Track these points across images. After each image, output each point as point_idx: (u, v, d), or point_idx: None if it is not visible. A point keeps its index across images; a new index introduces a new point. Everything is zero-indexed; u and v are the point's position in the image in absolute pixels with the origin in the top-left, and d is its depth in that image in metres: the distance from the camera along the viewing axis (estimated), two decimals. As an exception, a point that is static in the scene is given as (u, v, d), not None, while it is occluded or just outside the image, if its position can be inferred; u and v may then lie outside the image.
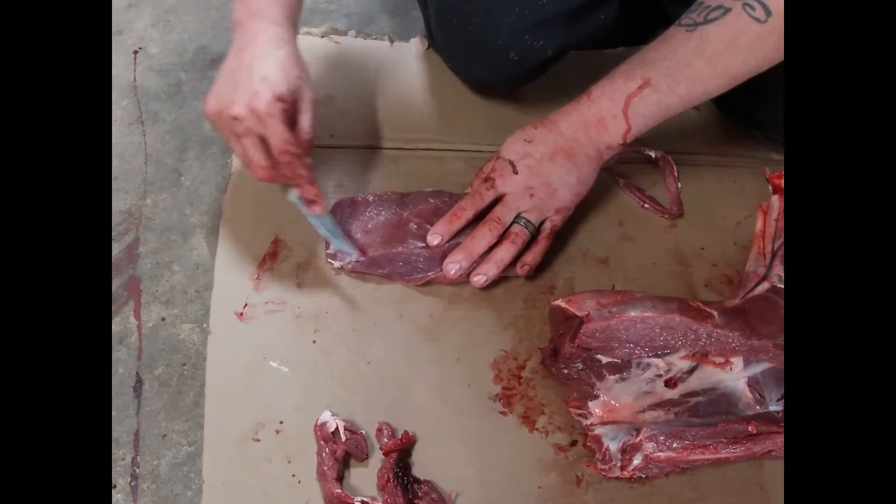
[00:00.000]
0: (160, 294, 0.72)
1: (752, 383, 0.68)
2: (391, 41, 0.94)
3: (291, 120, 0.64)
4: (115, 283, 0.71)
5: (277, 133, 0.62)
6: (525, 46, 0.77)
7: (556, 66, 0.84)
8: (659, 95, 0.69)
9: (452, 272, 0.71)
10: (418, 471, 0.64)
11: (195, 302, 0.71)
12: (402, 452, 0.63)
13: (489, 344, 0.72)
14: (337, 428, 0.63)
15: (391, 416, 0.66)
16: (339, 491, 0.60)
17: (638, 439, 0.64)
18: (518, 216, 0.73)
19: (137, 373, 0.67)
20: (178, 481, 0.63)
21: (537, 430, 0.68)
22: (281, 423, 0.65)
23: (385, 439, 0.64)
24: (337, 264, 0.72)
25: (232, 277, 0.72)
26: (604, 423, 0.66)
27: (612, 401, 0.67)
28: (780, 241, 0.75)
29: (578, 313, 0.66)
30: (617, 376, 0.67)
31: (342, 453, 0.62)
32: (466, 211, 0.72)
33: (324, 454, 0.62)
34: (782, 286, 0.72)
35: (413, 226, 0.73)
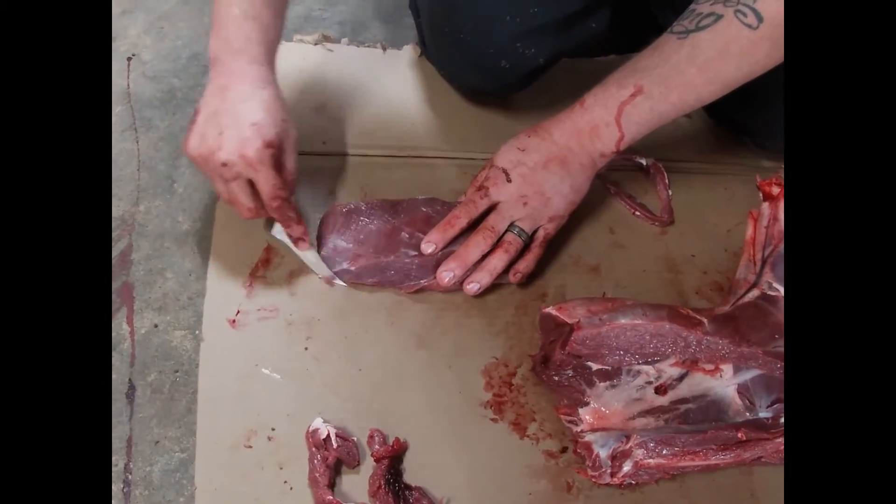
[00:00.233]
0: (153, 301, 0.72)
1: (742, 390, 0.68)
2: (384, 49, 0.94)
3: (278, 163, 0.65)
4: (108, 290, 0.72)
5: (268, 180, 0.63)
6: (517, 54, 0.78)
7: (548, 73, 0.85)
8: (652, 103, 0.69)
9: (446, 280, 0.71)
10: (409, 477, 0.64)
11: (188, 309, 0.71)
12: (393, 459, 0.64)
13: (480, 351, 0.72)
14: (328, 435, 0.63)
15: (382, 422, 0.66)
16: (331, 497, 0.60)
17: (628, 446, 0.64)
18: (511, 224, 0.73)
19: (130, 379, 0.67)
20: (171, 488, 0.63)
21: (528, 436, 0.68)
22: (273, 429, 0.65)
23: (376, 446, 0.64)
24: (331, 281, 0.73)
25: (224, 284, 0.72)
26: (594, 430, 0.66)
27: (603, 408, 0.67)
28: (771, 248, 0.75)
29: (569, 321, 0.66)
30: (607, 383, 0.67)
31: (334, 460, 0.63)
32: (460, 220, 0.73)
33: (315, 461, 0.62)
34: (772, 293, 0.72)
35: (405, 234, 0.74)
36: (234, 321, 0.70)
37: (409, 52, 0.94)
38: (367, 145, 0.85)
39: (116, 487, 0.62)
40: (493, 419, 0.69)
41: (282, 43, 0.70)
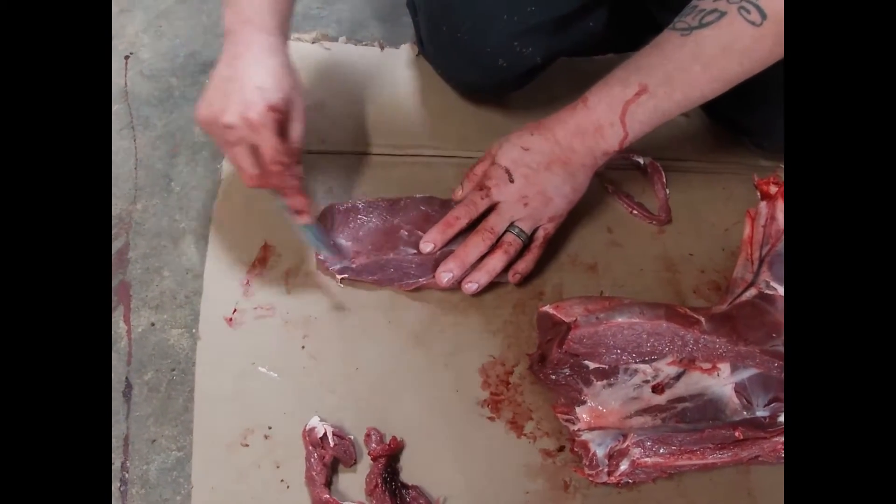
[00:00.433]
0: (150, 299, 0.72)
1: (739, 389, 0.68)
2: (381, 47, 0.94)
3: (283, 129, 0.64)
4: (105, 289, 0.72)
5: (269, 143, 0.62)
6: (514, 53, 0.78)
7: (545, 72, 0.84)
8: (656, 101, 0.68)
9: (445, 281, 0.71)
10: (406, 476, 0.64)
11: (185, 307, 0.71)
12: (390, 458, 0.64)
13: (477, 350, 0.72)
14: (325, 433, 0.63)
15: (379, 421, 0.66)
16: (328, 496, 0.60)
17: (625, 445, 0.64)
18: (511, 225, 0.73)
19: (127, 377, 0.67)
20: (167, 486, 0.63)
21: (525, 435, 0.68)
22: (270, 428, 0.65)
23: (373, 445, 0.64)
24: (330, 269, 0.72)
25: (221, 283, 0.72)
26: (591, 429, 0.66)
27: (600, 406, 0.67)
28: (768, 247, 0.75)
29: (566, 319, 0.66)
30: (604, 382, 0.67)
31: (330, 459, 0.63)
32: (461, 220, 0.73)
33: (312, 459, 0.62)
34: (770, 292, 0.72)
35: (404, 232, 0.74)
36: (230, 319, 0.70)
37: (406, 51, 0.94)
38: (365, 143, 0.85)
39: (113, 486, 0.62)
40: (490, 418, 0.69)
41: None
